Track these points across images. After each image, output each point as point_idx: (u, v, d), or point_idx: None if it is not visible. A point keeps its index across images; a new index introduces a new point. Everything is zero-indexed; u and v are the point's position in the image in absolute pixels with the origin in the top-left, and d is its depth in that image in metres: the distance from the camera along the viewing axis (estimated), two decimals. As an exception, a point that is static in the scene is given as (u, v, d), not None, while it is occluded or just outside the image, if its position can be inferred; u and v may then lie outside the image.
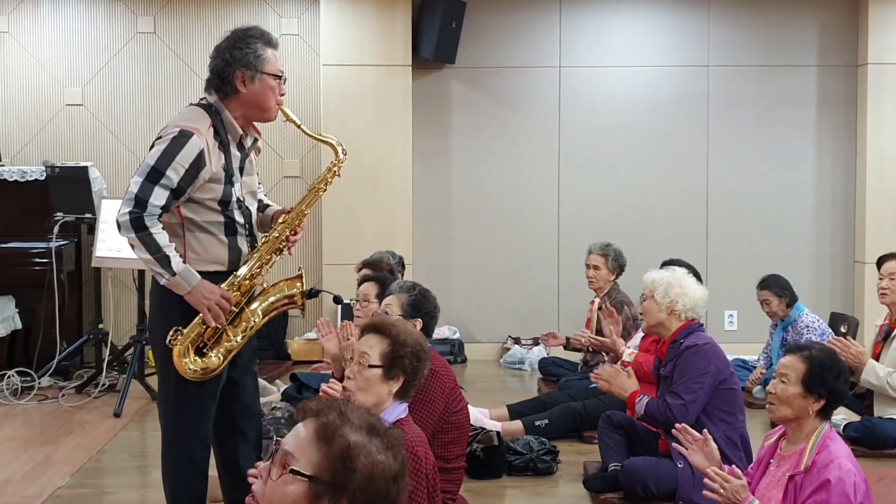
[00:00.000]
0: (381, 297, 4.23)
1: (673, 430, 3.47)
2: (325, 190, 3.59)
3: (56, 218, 6.45)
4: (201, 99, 3.43)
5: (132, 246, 3.25)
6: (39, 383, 6.30)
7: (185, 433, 3.39)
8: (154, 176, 3.20)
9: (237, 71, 3.33)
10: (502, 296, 7.84)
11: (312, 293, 3.71)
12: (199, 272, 3.28)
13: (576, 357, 6.58)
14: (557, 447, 4.95)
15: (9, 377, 6.28)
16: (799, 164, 7.85)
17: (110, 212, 6.06)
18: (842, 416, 5.14)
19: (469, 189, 7.83)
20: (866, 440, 5.04)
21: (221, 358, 3.34)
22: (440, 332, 7.39)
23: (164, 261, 3.21)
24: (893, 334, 5.23)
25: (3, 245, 6.64)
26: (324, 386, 3.60)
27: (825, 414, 3.17)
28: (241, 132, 3.41)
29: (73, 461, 4.99)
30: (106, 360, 6.38)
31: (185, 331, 3.29)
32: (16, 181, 6.86)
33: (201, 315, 3.28)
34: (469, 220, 7.85)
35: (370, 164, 7.36)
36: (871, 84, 7.58)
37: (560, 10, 7.78)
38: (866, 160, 7.63)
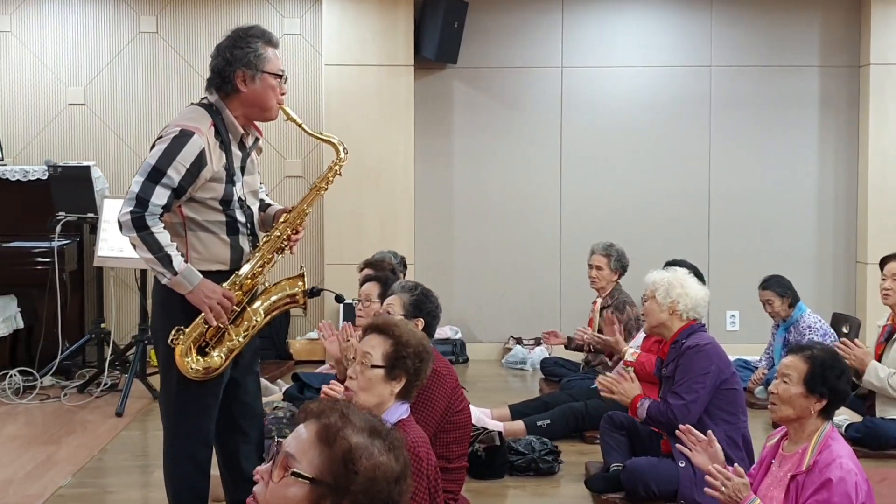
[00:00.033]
0: (383, 297, 4.23)
1: (677, 432, 3.46)
2: (326, 189, 3.59)
3: (58, 217, 6.45)
4: (202, 98, 3.43)
5: (134, 245, 3.26)
6: (41, 383, 6.30)
7: (187, 432, 3.39)
8: (155, 175, 3.20)
9: (238, 70, 3.33)
10: (504, 296, 7.84)
11: (314, 292, 3.72)
12: (201, 271, 3.28)
13: (577, 357, 6.57)
14: (559, 447, 4.95)
15: (11, 376, 6.29)
16: (801, 164, 7.85)
17: (112, 211, 6.07)
18: (844, 416, 5.14)
19: (471, 189, 7.83)
20: (868, 441, 5.04)
21: (223, 357, 3.34)
22: (442, 331, 7.38)
23: (166, 260, 3.21)
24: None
25: (5, 244, 6.64)
26: (325, 387, 3.60)
27: (827, 414, 3.17)
28: (241, 131, 3.41)
29: (74, 461, 5.00)
30: (108, 359, 6.38)
31: (187, 330, 3.30)
32: (18, 180, 6.86)
33: (203, 314, 3.28)
34: (471, 219, 7.84)
35: (372, 164, 7.36)
36: (874, 84, 7.57)
37: (562, 10, 7.78)
38: (868, 160, 7.62)
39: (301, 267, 3.62)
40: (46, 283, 6.34)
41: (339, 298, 4.90)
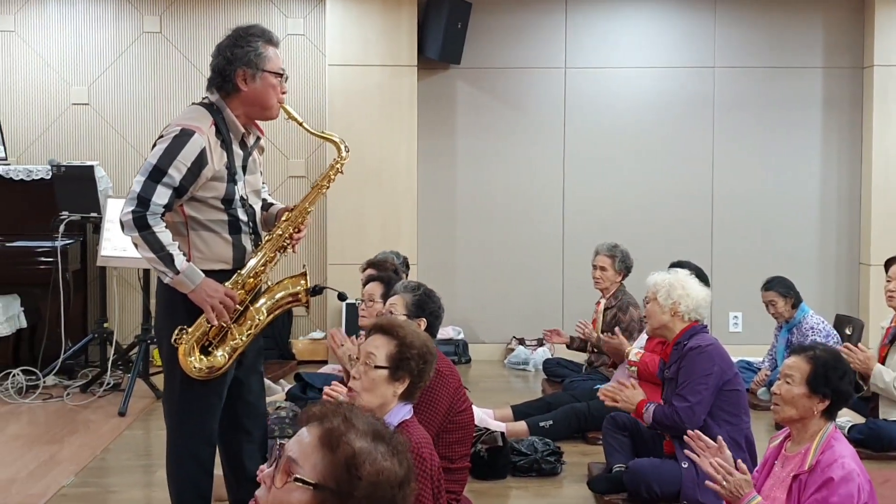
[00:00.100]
0: (385, 297, 4.23)
1: (685, 437, 3.44)
2: (328, 187, 3.59)
3: (61, 217, 6.46)
4: (203, 98, 3.43)
5: (135, 245, 3.26)
6: (44, 382, 6.31)
7: (191, 432, 3.39)
8: (156, 175, 3.20)
9: (238, 69, 3.33)
10: (507, 296, 7.84)
11: (316, 290, 3.71)
12: (204, 270, 3.28)
13: (580, 358, 6.57)
14: (562, 448, 4.95)
15: (14, 376, 6.29)
16: (804, 165, 7.84)
17: (116, 211, 6.02)
18: (847, 418, 5.14)
19: (474, 189, 7.83)
20: (871, 442, 5.03)
21: (227, 356, 3.34)
22: (444, 332, 7.38)
23: (168, 259, 3.21)
24: (899, 337, 5.22)
25: (8, 244, 6.65)
26: (327, 388, 3.59)
27: (830, 414, 3.16)
28: (242, 130, 3.41)
29: (77, 460, 5.00)
30: (111, 358, 6.39)
31: (190, 329, 3.30)
32: (21, 180, 6.86)
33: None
34: (474, 220, 7.84)
35: (375, 165, 7.36)
36: (878, 86, 7.56)
37: (566, 10, 7.78)
38: (872, 162, 7.62)
39: (303, 265, 3.62)
40: (50, 282, 6.34)
41: (341, 297, 4.88)
